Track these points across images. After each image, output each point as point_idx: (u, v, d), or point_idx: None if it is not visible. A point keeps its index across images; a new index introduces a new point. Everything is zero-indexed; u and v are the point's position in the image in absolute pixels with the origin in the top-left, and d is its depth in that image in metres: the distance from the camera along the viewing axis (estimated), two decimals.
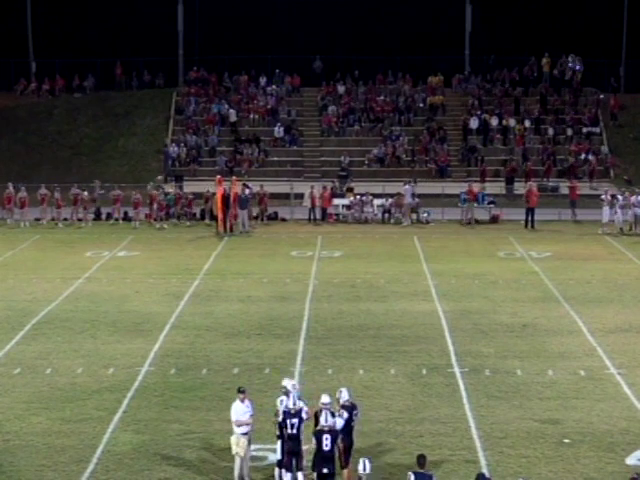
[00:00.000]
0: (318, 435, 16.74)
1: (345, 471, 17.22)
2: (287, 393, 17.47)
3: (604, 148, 53.69)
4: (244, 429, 17.48)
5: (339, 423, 17.00)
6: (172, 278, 33.25)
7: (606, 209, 42.22)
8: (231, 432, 17.65)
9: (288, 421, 16.91)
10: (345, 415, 17.27)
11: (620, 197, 42.52)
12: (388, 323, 27.64)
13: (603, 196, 42.96)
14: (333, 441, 16.66)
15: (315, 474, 16.73)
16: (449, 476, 17.73)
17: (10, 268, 35.03)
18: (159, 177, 50.92)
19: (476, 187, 45.41)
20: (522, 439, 19.40)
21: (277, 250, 38.44)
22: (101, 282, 32.72)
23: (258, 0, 59.99)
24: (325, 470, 16.66)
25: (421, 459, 15.18)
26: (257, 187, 44.69)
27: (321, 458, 16.68)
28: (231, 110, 55.75)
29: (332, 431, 16.76)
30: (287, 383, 17.87)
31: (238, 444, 17.40)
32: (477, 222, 44.45)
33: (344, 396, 17.53)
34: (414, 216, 44.73)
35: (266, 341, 25.94)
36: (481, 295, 31.01)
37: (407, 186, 45.09)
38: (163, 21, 59.52)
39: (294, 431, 16.95)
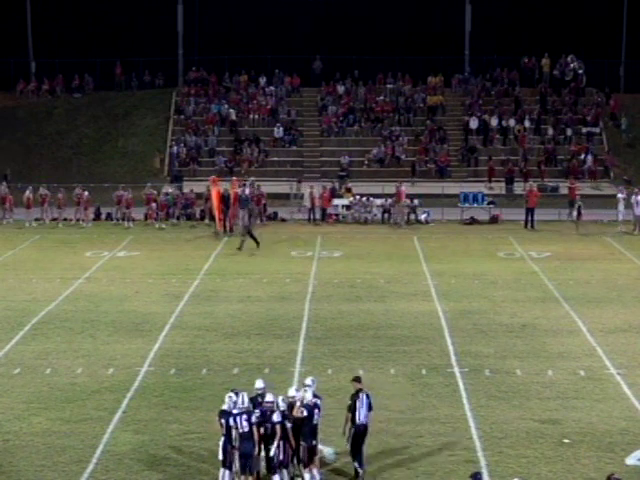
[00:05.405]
0: (309, 408, 17.10)
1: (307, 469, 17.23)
2: (262, 395, 17.48)
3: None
4: None
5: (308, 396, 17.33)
6: (172, 278, 33.24)
7: (621, 208, 42.21)
8: None
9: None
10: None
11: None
12: (388, 323, 27.64)
13: (619, 195, 42.86)
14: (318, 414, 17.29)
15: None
16: (449, 476, 17.73)
17: (10, 268, 35.03)
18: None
19: (404, 188, 45.08)
20: (522, 439, 19.41)
21: (277, 250, 38.43)
22: (101, 282, 32.72)
23: (258, 0, 59.97)
24: (314, 442, 17.16)
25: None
26: (248, 188, 44.37)
27: (312, 430, 17.11)
28: (231, 109, 55.73)
29: (317, 405, 17.35)
30: (259, 384, 17.91)
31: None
32: (477, 222, 44.47)
33: (308, 395, 17.37)
34: (412, 216, 44.68)
35: (266, 341, 25.95)
36: (481, 295, 31.01)
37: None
38: (163, 21, 59.53)
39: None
